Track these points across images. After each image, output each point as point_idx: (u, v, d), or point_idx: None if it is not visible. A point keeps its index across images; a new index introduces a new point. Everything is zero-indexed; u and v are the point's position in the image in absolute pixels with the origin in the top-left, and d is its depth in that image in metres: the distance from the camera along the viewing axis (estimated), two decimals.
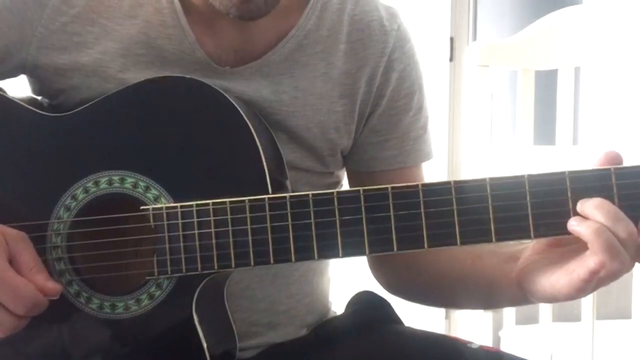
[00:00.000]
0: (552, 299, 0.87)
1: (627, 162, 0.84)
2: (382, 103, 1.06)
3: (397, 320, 1.11)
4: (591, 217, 0.81)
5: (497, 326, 1.89)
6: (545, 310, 1.71)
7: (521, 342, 1.95)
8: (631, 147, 1.80)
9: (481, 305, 1.23)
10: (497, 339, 1.94)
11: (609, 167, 0.82)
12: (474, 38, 2.67)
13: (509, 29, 2.44)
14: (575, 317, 1.70)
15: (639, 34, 1.61)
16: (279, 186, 0.92)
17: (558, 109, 1.74)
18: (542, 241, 0.89)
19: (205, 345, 0.89)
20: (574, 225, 0.82)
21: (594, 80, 2.39)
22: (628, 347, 1.91)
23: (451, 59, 2.61)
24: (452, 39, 2.62)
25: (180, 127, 0.92)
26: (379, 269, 1.13)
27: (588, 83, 2.42)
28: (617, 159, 0.84)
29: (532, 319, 1.92)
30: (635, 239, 0.81)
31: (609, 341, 1.86)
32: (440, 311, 2.61)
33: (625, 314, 2.04)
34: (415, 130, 1.09)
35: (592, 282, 0.82)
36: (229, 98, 0.91)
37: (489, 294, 1.00)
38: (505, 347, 1.92)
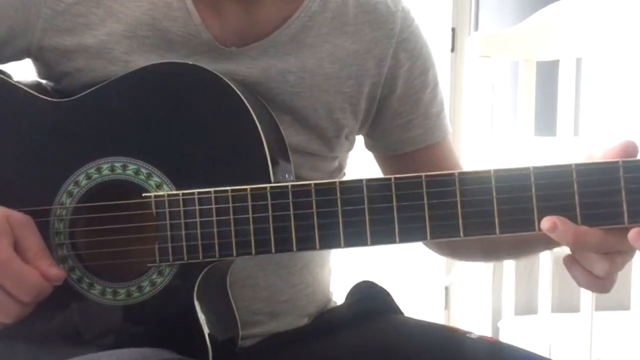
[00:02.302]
0: None
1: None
2: (399, 84, 1.06)
3: (397, 310, 1.12)
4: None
5: (496, 317, 1.89)
6: (544, 301, 1.71)
7: (520, 332, 1.95)
8: (632, 138, 1.79)
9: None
10: (496, 330, 1.94)
11: (616, 160, 0.80)
12: (476, 28, 2.66)
13: (511, 19, 2.43)
14: (574, 308, 1.71)
15: None
16: (281, 172, 0.92)
17: (559, 100, 1.74)
18: None
19: (206, 332, 0.89)
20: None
21: (596, 72, 2.39)
22: (626, 338, 1.92)
23: (452, 50, 2.61)
24: (453, 30, 2.62)
25: (182, 114, 0.91)
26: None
27: (589, 74, 2.41)
28: (633, 149, 0.81)
29: (531, 310, 1.93)
30: None
31: (607, 332, 1.87)
32: (440, 301, 2.61)
33: (624, 305, 2.05)
34: (436, 105, 1.10)
35: None
36: (231, 84, 0.90)
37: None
38: (504, 338, 1.92)
